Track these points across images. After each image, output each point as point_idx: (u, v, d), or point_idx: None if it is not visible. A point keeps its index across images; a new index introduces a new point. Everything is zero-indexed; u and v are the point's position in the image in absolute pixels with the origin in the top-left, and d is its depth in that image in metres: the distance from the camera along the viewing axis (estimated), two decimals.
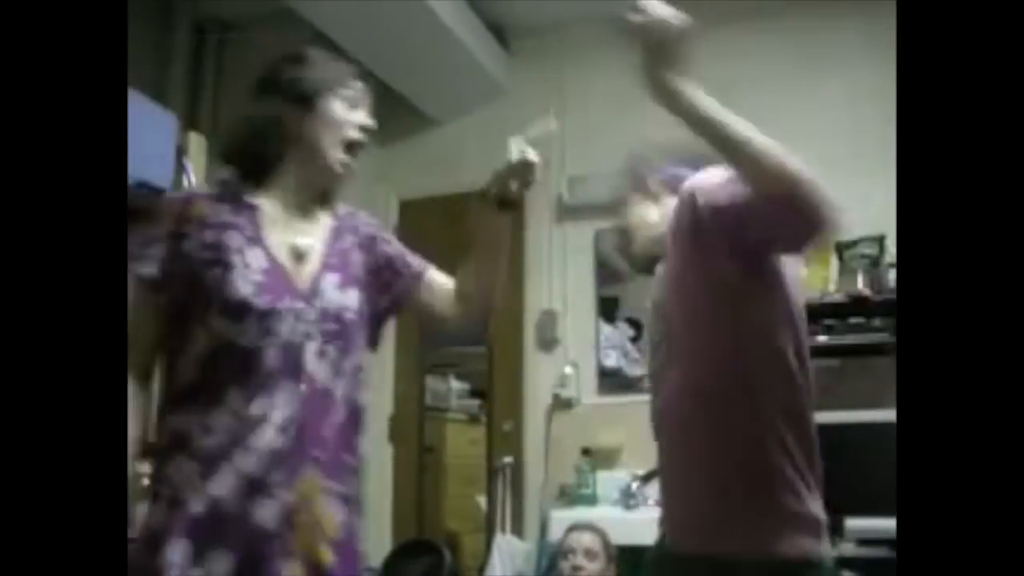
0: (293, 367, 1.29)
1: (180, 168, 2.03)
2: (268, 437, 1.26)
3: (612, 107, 3.98)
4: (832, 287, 3.19)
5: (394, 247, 1.54)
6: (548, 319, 3.91)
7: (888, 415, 2.56)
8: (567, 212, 3.90)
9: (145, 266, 1.31)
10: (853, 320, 3.11)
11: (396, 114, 3.99)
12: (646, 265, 1.52)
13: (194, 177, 2.05)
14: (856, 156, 3.39)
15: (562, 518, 3.20)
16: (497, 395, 3.98)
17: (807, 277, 1.97)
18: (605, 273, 3.84)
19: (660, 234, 1.43)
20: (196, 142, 2.14)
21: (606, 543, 2.81)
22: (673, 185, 1.43)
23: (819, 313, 3.03)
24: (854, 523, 2.64)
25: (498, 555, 3.50)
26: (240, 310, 1.28)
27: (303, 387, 1.29)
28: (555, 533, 3.15)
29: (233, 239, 1.32)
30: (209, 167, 2.15)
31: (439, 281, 1.54)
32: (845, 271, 3.25)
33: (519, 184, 1.45)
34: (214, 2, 4.15)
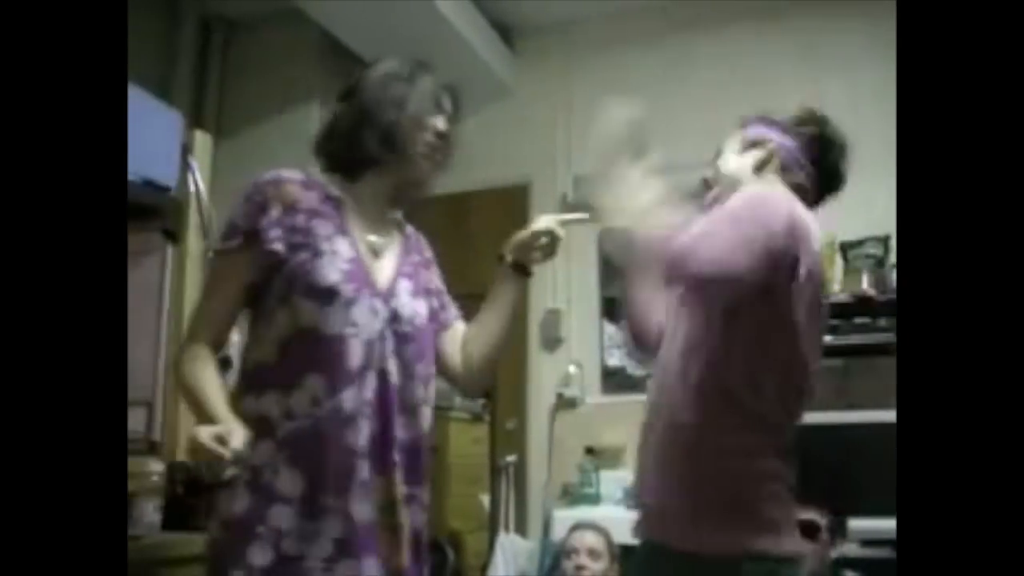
0: (369, 362, 1.31)
1: (185, 166, 2.04)
2: (351, 431, 1.27)
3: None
4: (837, 287, 3.18)
5: (441, 283, 1.56)
6: (552, 318, 3.91)
7: (893, 415, 2.54)
8: (572, 211, 3.89)
9: (274, 243, 1.32)
10: (858, 320, 3.11)
11: None
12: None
13: (199, 175, 2.06)
14: (859, 156, 3.37)
15: (565, 517, 3.20)
16: (501, 394, 3.97)
17: None
18: (609, 272, 3.83)
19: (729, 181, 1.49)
20: (201, 140, 2.14)
21: (609, 542, 2.80)
22: (752, 141, 1.52)
23: None
24: (858, 523, 2.63)
25: (501, 554, 3.50)
26: (328, 295, 1.29)
27: (379, 383, 1.31)
28: (558, 532, 3.15)
29: (322, 227, 1.35)
30: (214, 165, 2.16)
31: (461, 332, 1.54)
32: (850, 271, 3.24)
33: (540, 254, 1.47)
34: (220, 0, 4.16)
